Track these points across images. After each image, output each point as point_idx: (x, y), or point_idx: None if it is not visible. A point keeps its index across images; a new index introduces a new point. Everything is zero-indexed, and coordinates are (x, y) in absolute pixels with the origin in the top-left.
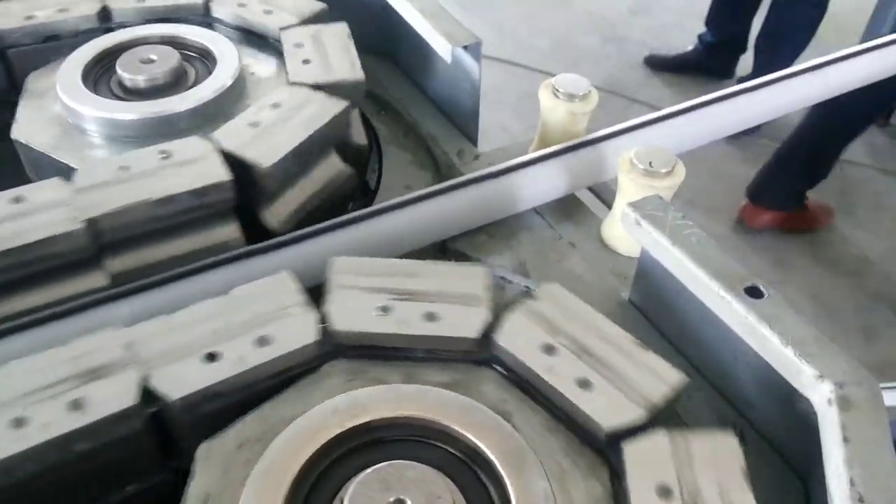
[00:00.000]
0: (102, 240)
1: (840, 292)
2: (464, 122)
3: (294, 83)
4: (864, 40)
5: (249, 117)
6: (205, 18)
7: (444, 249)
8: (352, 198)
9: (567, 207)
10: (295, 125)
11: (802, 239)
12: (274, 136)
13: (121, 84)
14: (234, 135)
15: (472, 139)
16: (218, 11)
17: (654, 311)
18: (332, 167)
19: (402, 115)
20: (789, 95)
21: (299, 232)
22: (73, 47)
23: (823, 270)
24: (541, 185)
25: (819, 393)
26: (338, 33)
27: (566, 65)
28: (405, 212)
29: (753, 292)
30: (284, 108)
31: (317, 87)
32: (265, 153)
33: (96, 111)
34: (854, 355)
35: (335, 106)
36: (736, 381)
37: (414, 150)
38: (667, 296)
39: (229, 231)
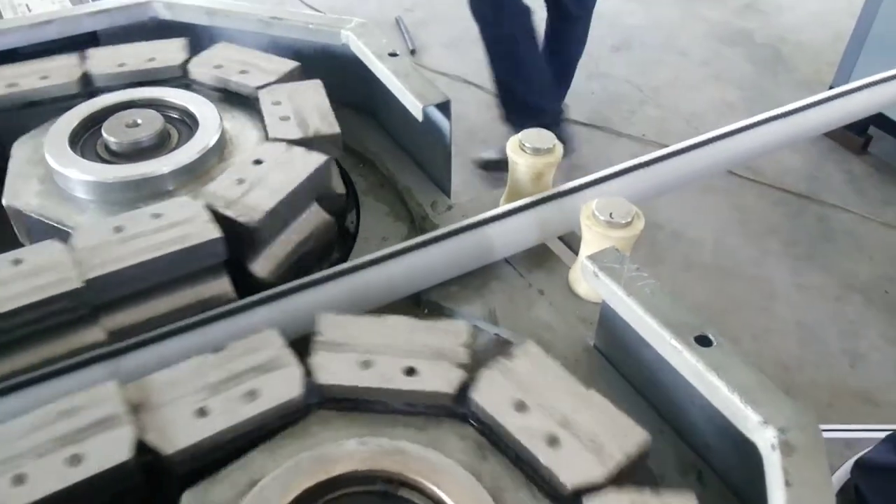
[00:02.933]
0: (100, 298)
1: (825, 318)
2: (437, 175)
3: (274, 139)
4: (838, 72)
5: (235, 174)
6: (183, 80)
7: (417, 300)
8: (334, 244)
9: (536, 256)
10: (279, 180)
11: (786, 265)
12: (260, 192)
13: (107, 147)
14: (222, 192)
15: (446, 191)
16: (195, 73)
17: (616, 356)
18: (315, 217)
19: (379, 168)
20: (755, 142)
21: (283, 287)
22: (56, 113)
23: (807, 296)
24: (513, 236)
25: (763, 438)
26: (313, 90)
27: None
28: (385, 266)
29: (703, 341)
30: (267, 164)
31: (296, 142)
32: (253, 208)
33: (84, 175)
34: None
35: (316, 160)
36: (693, 424)
37: (390, 201)
38: (627, 342)
39: (220, 285)
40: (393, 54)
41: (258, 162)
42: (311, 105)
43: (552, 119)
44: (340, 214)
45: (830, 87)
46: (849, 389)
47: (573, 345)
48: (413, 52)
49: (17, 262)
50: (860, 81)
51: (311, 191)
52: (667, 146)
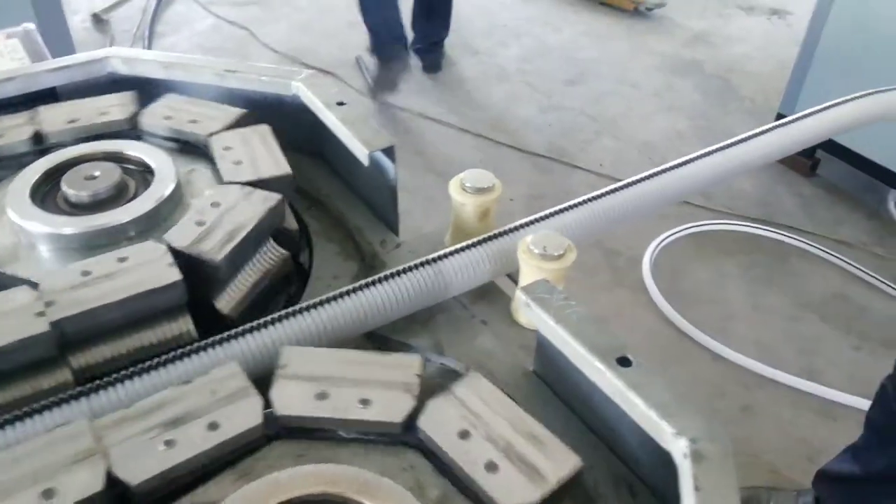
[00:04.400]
0: (68, 339)
1: (782, 337)
2: (385, 215)
3: (229, 182)
4: (784, 99)
5: (195, 217)
6: (134, 132)
7: (369, 333)
8: (291, 278)
9: (479, 288)
10: (236, 220)
11: (743, 287)
12: (220, 232)
13: (67, 200)
14: (184, 235)
15: (394, 229)
16: (146, 125)
17: (552, 379)
18: (272, 253)
19: (330, 210)
20: (708, 172)
21: (242, 328)
22: (12, 170)
23: (764, 316)
24: (467, 275)
25: (677, 448)
26: (261, 134)
27: (510, 131)
28: (340, 304)
29: (623, 362)
30: (225, 206)
31: (250, 184)
32: (215, 248)
33: (46, 227)
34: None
35: (270, 199)
36: (622, 440)
37: (341, 241)
38: (560, 366)
39: (182, 324)
40: (340, 103)
41: (216, 204)
42: (262, 148)
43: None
44: (295, 250)
45: (778, 114)
46: (809, 405)
47: (514, 371)
48: (374, 90)
49: None
50: (810, 109)
51: (266, 228)
52: (621, 176)
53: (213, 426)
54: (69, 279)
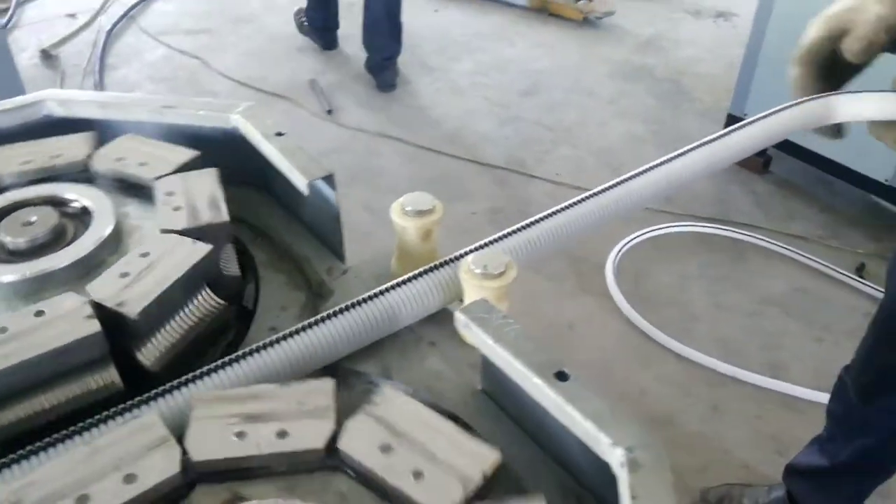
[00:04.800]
0: None
1: (745, 333)
2: (330, 242)
3: (164, 230)
4: (734, 98)
5: (120, 268)
6: (85, 174)
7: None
8: (230, 324)
9: None
10: (162, 272)
11: (704, 287)
12: (142, 285)
13: (3, 247)
14: (104, 287)
15: (340, 257)
16: (98, 167)
17: (499, 397)
18: (204, 303)
19: (276, 241)
20: (635, 194)
21: (171, 384)
22: None
23: (727, 314)
24: (418, 304)
25: (614, 457)
26: (207, 179)
27: (468, 146)
28: (274, 351)
29: (561, 376)
30: (152, 257)
31: (185, 232)
32: (133, 301)
33: None
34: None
35: (200, 250)
36: (567, 452)
37: (288, 271)
38: (505, 384)
39: (107, 375)
40: (279, 134)
41: (144, 255)
42: (204, 194)
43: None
44: (237, 294)
45: (728, 114)
46: (775, 400)
47: (463, 391)
48: (330, 111)
49: None
50: (762, 114)
51: (197, 278)
52: (581, 185)
53: (130, 479)
54: None
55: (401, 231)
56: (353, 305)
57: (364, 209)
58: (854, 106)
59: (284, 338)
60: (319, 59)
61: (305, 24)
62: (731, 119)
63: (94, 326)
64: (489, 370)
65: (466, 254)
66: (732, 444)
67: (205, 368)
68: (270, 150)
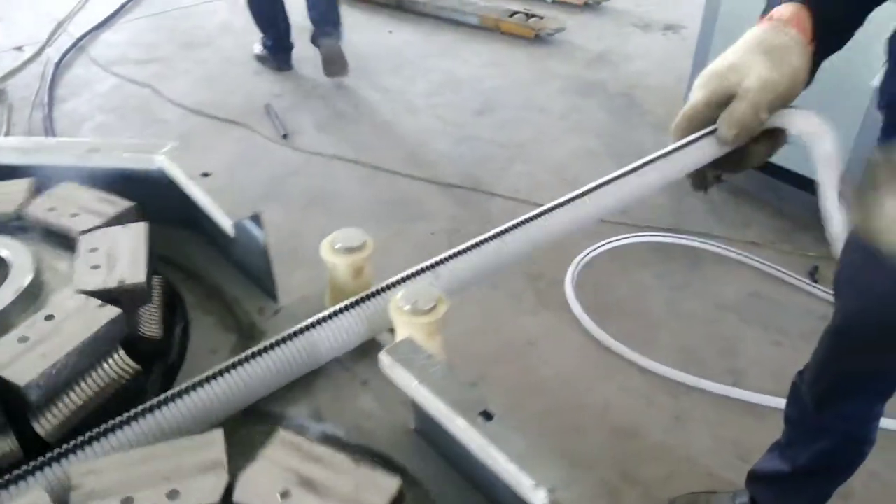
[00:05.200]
0: None
1: (704, 341)
2: (261, 282)
3: (79, 290)
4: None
5: (21, 332)
6: (18, 223)
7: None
8: (144, 387)
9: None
10: (63, 338)
11: (662, 296)
12: (39, 351)
13: None
14: (2, 352)
15: (272, 296)
16: (30, 216)
17: (431, 436)
18: (113, 368)
19: (206, 281)
20: (563, 218)
21: (62, 447)
22: None
23: (686, 323)
24: (342, 337)
25: (538, 499)
26: (134, 234)
27: (425, 166)
28: (187, 400)
29: (486, 416)
30: (57, 320)
31: (99, 293)
32: (25, 370)
33: None
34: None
35: (105, 315)
36: (496, 492)
37: (219, 313)
38: (436, 423)
39: (5, 444)
40: (205, 174)
41: (49, 317)
42: (126, 251)
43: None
44: (161, 352)
45: None
46: (736, 407)
47: (395, 431)
48: (285, 136)
49: None
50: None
51: (104, 344)
52: (537, 200)
53: None
54: None
55: (331, 268)
56: (259, 352)
57: (320, 236)
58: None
59: (187, 390)
60: (275, 82)
61: (260, 51)
62: None
63: None
64: (420, 410)
65: (395, 284)
66: (696, 453)
67: (94, 432)
68: (196, 191)
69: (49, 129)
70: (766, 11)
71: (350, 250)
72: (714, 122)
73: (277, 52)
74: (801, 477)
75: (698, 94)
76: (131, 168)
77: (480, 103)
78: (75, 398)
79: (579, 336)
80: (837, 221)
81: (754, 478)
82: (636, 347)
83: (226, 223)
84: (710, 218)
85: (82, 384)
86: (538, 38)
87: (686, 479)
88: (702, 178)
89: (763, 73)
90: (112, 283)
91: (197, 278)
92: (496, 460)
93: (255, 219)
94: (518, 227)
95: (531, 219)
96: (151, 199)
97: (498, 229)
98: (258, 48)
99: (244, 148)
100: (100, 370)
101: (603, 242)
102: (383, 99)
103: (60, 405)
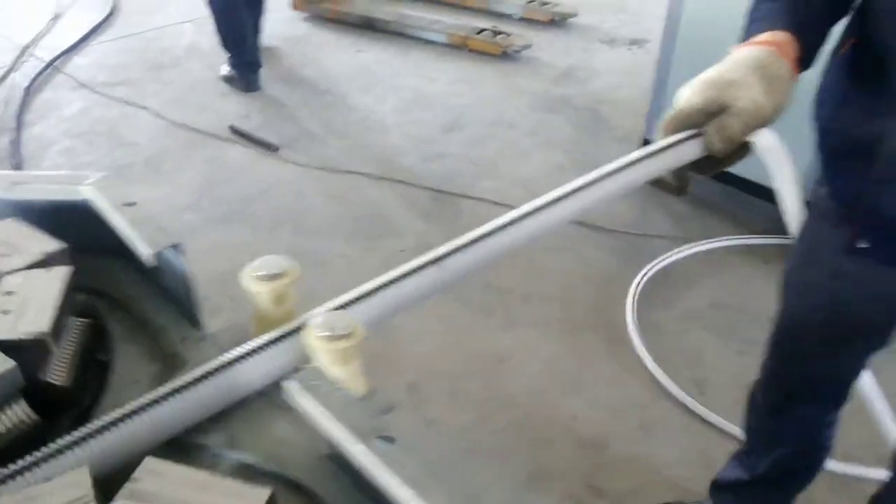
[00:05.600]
0: None
1: (669, 351)
2: (186, 310)
3: None
4: (647, 123)
5: None
6: None
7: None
8: (45, 438)
9: None
10: None
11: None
12: None
13: None
14: None
15: (196, 324)
16: None
17: (342, 461)
18: (10, 419)
19: (133, 311)
20: (494, 246)
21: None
22: None
23: (651, 333)
24: (266, 368)
25: None
26: (54, 280)
27: (394, 184)
28: (118, 429)
29: (386, 439)
30: None
31: (2, 343)
32: None
33: None
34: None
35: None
36: None
37: (144, 342)
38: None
39: None
40: (129, 204)
41: None
42: (40, 299)
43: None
44: (70, 400)
45: (644, 139)
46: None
47: (309, 457)
48: (275, 149)
49: None
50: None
51: None
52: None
53: None
54: None
55: (254, 296)
56: (199, 378)
57: (288, 255)
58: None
59: (92, 434)
60: (242, 103)
61: (228, 72)
62: (647, 143)
63: None
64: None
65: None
66: (662, 464)
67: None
68: (119, 221)
69: (16, 155)
70: (750, 33)
71: (272, 277)
72: (699, 126)
73: (245, 71)
74: (761, 485)
75: (694, 99)
76: (57, 200)
77: (450, 120)
78: None
79: (548, 350)
80: (794, 221)
81: (716, 487)
82: (603, 361)
83: (145, 253)
84: (676, 228)
85: None
86: (506, 55)
87: (652, 490)
88: (683, 177)
89: (759, 97)
90: (13, 334)
91: (126, 308)
92: (389, 484)
93: (176, 248)
94: (460, 251)
95: (474, 241)
96: (83, 229)
97: (434, 254)
98: (225, 69)
99: (213, 169)
100: None
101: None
102: (353, 118)
103: None
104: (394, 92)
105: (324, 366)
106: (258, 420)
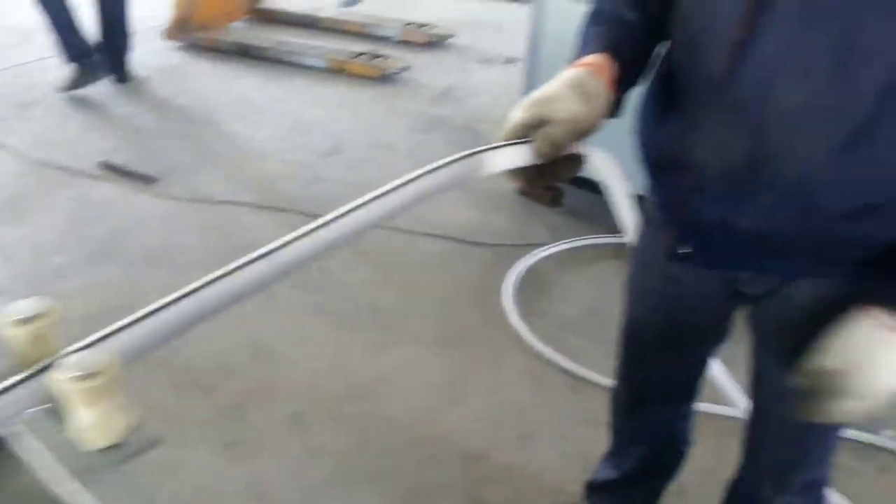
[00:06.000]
0: None
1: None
2: None
3: None
4: None
5: None
6: None
7: None
8: None
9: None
10: None
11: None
12: None
13: None
14: None
15: None
16: None
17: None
18: None
19: None
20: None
21: None
22: None
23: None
24: (16, 407)
25: None
26: None
27: (274, 212)
28: None
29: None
30: None
31: None
32: None
33: None
34: None
35: None
36: None
37: None
38: None
39: None
40: None
41: None
42: None
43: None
44: None
45: None
46: (579, 420)
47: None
48: (152, 180)
49: None
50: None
51: None
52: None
53: None
54: None
55: (11, 341)
56: None
57: (161, 292)
58: (496, 158)
59: None
60: (113, 136)
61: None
62: None
63: None
64: None
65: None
66: (543, 469)
67: None
68: None
69: None
70: (577, 56)
71: (28, 319)
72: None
73: (89, 59)
74: (629, 482)
75: (521, 115)
76: None
77: (329, 145)
78: None
79: (430, 367)
80: (630, 229)
81: (590, 488)
82: (485, 379)
83: None
84: (552, 238)
85: None
86: (385, 78)
87: (534, 496)
88: (523, 181)
89: (576, 109)
90: None
91: None
92: None
93: None
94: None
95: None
96: None
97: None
98: (67, 73)
99: (80, 207)
100: None
101: None
102: (230, 146)
103: None
104: (272, 119)
105: (71, 407)
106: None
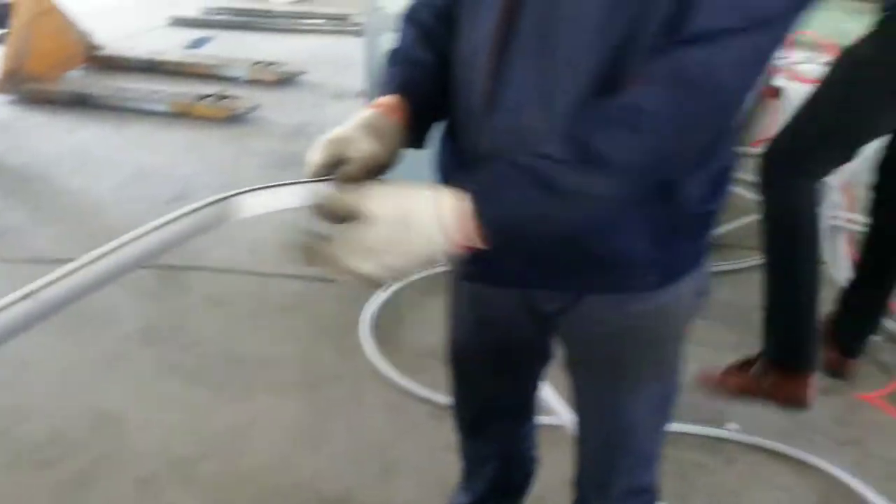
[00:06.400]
0: None
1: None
2: None
3: None
4: None
5: None
6: None
7: None
8: None
9: None
10: None
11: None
12: None
13: None
14: None
15: None
16: None
17: None
18: None
19: None
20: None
21: None
22: None
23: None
24: None
25: None
26: None
27: None
28: None
29: None
30: None
31: None
32: None
33: None
34: None
35: None
36: None
37: None
38: None
39: None
40: None
41: None
42: None
43: None
44: None
45: None
46: (441, 445)
47: None
48: None
49: None
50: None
51: None
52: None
53: None
54: None
55: None
56: None
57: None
58: (254, 201)
59: None
60: None
61: None
62: None
63: None
64: None
65: None
66: (405, 501)
67: None
68: None
69: None
70: (372, 98)
71: None
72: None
73: None
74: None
75: (317, 156)
76: None
77: (175, 191)
78: None
79: (289, 413)
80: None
81: None
82: (343, 410)
83: None
84: None
85: None
86: (234, 118)
87: None
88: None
89: (367, 147)
90: None
91: None
92: None
93: None
94: None
95: None
96: None
97: None
98: None
99: None
100: None
101: None
102: (65, 202)
103: None
104: (112, 169)
105: None
106: None
